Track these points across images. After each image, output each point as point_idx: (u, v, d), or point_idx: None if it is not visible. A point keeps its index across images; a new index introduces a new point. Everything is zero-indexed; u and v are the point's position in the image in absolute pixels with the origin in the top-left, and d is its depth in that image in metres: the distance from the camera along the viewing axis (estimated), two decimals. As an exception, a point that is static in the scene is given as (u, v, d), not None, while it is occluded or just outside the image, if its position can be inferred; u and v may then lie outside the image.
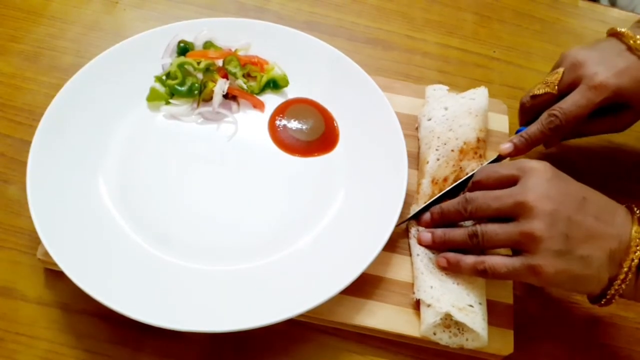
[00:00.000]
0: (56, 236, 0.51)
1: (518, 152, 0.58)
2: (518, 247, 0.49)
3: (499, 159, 0.58)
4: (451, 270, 0.53)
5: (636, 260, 0.47)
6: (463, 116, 0.61)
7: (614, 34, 0.58)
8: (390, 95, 0.64)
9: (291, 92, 0.66)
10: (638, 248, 0.47)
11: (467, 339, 0.51)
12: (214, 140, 0.62)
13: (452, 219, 0.54)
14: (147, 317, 0.47)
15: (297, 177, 0.60)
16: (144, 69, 0.64)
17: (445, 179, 0.58)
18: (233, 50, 0.67)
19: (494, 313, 0.53)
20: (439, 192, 0.57)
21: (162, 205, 0.57)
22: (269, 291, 0.51)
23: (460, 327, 0.51)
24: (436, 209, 0.55)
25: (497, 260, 0.49)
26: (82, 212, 0.54)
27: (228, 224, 0.56)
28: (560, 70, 0.58)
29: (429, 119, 0.63)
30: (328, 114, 0.64)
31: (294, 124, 0.64)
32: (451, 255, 0.52)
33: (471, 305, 0.51)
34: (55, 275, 0.53)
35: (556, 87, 0.58)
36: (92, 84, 0.61)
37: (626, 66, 0.55)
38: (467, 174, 0.58)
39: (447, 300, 0.51)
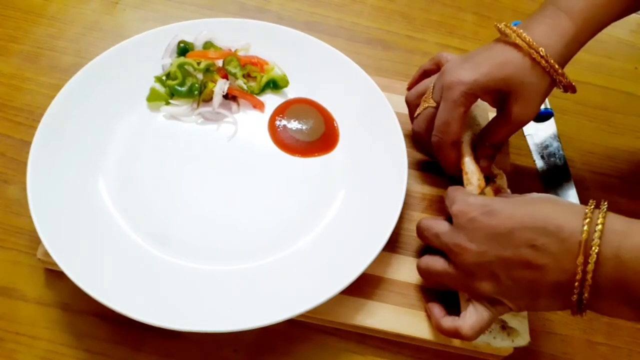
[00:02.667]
0: (56, 236, 0.51)
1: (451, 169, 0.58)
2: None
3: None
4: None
5: (591, 267, 0.42)
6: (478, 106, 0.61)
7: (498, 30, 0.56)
8: (390, 95, 0.64)
9: (291, 92, 0.66)
10: (591, 254, 0.42)
11: (512, 340, 0.52)
12: (214, 140, 0.62)
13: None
14: (147, 317, 0.47)
15: (297, 178, 0.60)
16: (144, 69, 0.64)
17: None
18: (233, 50, 0.67)
19: (494, 313, 0.54)
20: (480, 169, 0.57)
21: (162, 205, 0.57)
22: (269, 291, 0.51)
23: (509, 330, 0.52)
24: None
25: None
26: (82, 212, 0.54)
27: (228, 224, 0.56)
28: (429, 82, 0.58)
29: None
30: (328, 114, 0.64)
31: (294, 124, 0.64)
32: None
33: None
34: (55, 275, 0.53)
35: (431, 99, 0.56)
36: (92, 84, 0.61)
37: (487, 57, 0.54)
38: None
39: None
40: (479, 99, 0.55)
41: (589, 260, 0.42)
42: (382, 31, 0.78)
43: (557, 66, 0.52)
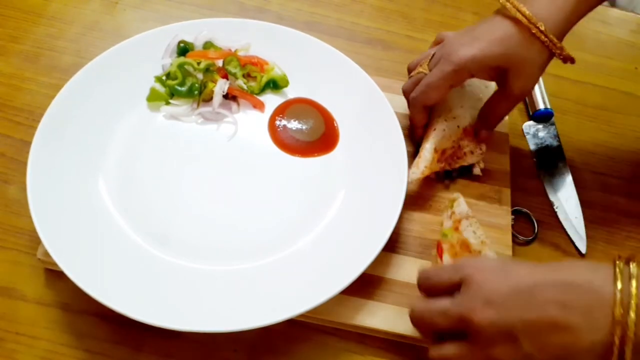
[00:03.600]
0: (56, 236, 0.51)
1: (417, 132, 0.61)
2: None
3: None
4: None
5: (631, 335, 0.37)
6: (475, 98, 0.62)
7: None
8: (390, 95, 0.64)
9: (291, 92, 0.66)
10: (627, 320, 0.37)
11: None
12: (214, 140, 0.62)
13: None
14: (147, 317, 0.47)
15: (297, 177, 0.60)
16: (144, 69, 0.64)
17: (443, 151, 0.59)
18: (233, 50, 0.67)
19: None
20: (437, 162, 0.59)
21: (162, 205, 0.57)
22: (270, 291, 0.51)
23: None
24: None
25: None
26: (82, 212, 0.54)
27: (228, 224, 0.56)
28: (432, 50, 0.59)
29: None
30: (328, 114, 0.64)
31: (294, 124, 0.63)
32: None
33: None
34: (55, 275, 0.53)
35: (427, 66, 0.58)
36: (92, 84, 0.61)
37: (486, 32, 0.54)
38: (464, 153, 0.60)
39: None
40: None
41: (629, 311, 0.37)
42: (382, 31, 0.78)
43: (555, 40, 0.52)
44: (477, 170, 0.62)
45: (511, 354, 0.41)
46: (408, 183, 0.57)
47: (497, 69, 0.54)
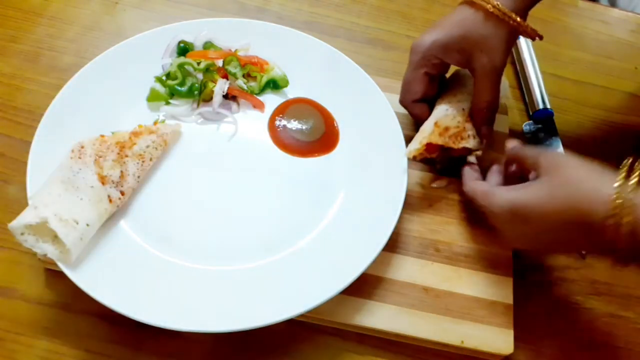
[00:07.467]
0: (56, 236, 0.51)
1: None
2: None
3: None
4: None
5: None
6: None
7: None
8: (390, 95, 0.64)
9: (291, 92, 0.66)
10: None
11: (56, 251, 0.49)
12: (214, 140, 0.62)
13: None
14: (147, 317, 0.48)
15: (297, 178, 0.60)
16: (144, 69, 0.64)
17: (447, 129, 0.59)
18: (233, 50, 0.67)
19: (494, 313, 0.54)
20: (439, 135, 0.58)
21: (162, 205, 0.57)
22: (269, 291, 0.51)
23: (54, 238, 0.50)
24: None
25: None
26: (82, 212, 0.54)
27: (228, 224, 0.56)
28: None
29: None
30: (328, 114, 0.64)
31: (294, 124, 0.64)
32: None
33: (77, 222, 0.50)
34: (55, 275, 0.53)
35: None
36: (92, 84, 0.61)
37: (447, 19, 0.58)
38: (468, 135, 0.59)
39: (53, 209, 0.50)
40: None
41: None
42: (382, 31, 0.78)
43: (510, 13, 0.55)
44: (472, 159, 0.61)
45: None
46: (406, 157, 0.58)
47: (461, 51, 0.57)
